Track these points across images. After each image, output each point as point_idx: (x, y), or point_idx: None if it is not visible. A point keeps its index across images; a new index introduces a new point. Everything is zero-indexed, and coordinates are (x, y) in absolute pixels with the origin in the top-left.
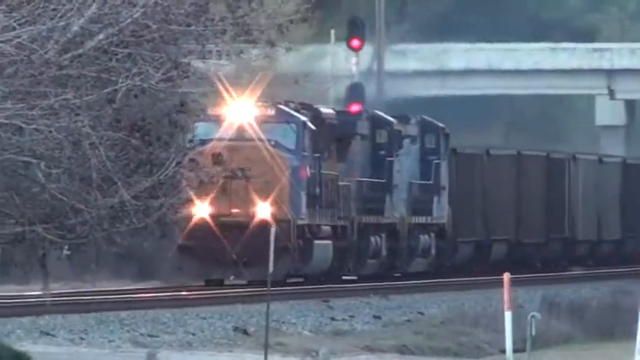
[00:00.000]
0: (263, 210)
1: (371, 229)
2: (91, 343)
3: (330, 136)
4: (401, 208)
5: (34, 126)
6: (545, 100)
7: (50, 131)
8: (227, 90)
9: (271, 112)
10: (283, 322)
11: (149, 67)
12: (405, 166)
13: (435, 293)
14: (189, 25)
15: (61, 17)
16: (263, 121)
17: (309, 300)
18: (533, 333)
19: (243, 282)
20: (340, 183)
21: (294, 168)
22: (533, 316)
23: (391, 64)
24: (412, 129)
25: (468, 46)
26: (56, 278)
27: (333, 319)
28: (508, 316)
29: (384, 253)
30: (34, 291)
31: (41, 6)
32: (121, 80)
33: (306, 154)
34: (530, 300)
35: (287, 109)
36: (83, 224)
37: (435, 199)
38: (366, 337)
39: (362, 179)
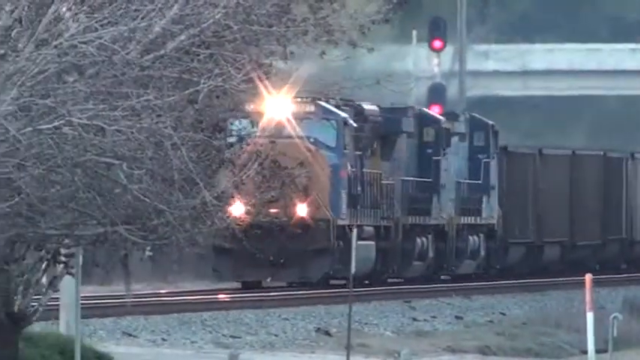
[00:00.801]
0: (301, 210)
1: (417, 230)
2: (173, 344)
3: (373, 134)
4: (449, 209)
5: (115, 127)
6: (628, 100)
7: (132, 132)
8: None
9: (310, 108)
10: (365, 323)
11: (230, 68)
12: (453, 164)
13: (517, 294)
14: (270, 26)
15: (142, 18)
16: (302, 118)
17: (392, 301)
18: (615, 334)
19: (283, 284)
20: (384, 182)
21: (334, 166)
22: (615, 317)
23: (472, 64)
24: (461, 126)
25: (550, 46)
26: (138, 279)
27: (414, 319)
28: (590, 317)
29: (430, 254)
30: (116, 292)
31: (123, 7)
32: (202, 81)
33: (346, 151)
34: (612, 301)
35: (327, 105)
36: (165, 225)
37: (485, 199)
38: (448, 338)
39: (407, 178)
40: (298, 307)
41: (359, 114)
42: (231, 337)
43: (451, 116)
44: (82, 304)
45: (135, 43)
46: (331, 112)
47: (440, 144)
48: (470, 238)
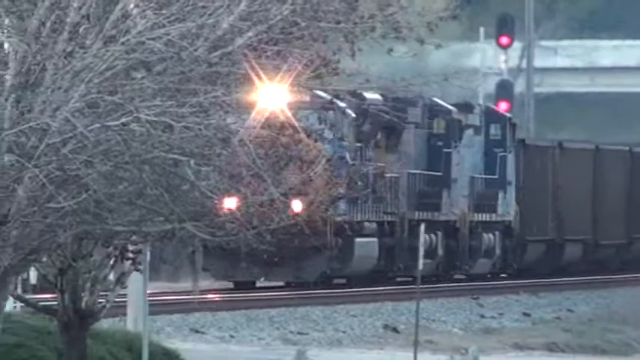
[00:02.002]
0: (296, 205)
1: (425, 226)
2: (241, 341)
3: (376, 125)
4: (461, 204)
5: (183, 123)
6: None
7: (200, 129)
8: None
9: (306, 97)
10: (433, 320)
11: (298, 65)
12: (466, 158)
13: (584, 291)
14: (338, 23)
15: (210, 15)
16: (297, 108)
17: (459, 297)
18: None
19: (280, 284)
20: (388, 175)
21: (330, 158)
22: None
23: (540, 61)
24: (475, 118)
25: (618, 42)
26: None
27: (482, 316)
28: None
29: (440, 252)
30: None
31: (190, 3)
32: (270, 77)
33: (345, 143)
34: None
35: (324, 94)
36: (232, 222)
37: (501, 194)
38: (515, 335)
39: (414, 172)
40: (366, 303)
41: (360, 104)
42: (299, 333)
43: (464, 108)
44: (150, 300)
45: (203, 39)
46: (328, 101)
47: (451, 136)
48: (484, 235)
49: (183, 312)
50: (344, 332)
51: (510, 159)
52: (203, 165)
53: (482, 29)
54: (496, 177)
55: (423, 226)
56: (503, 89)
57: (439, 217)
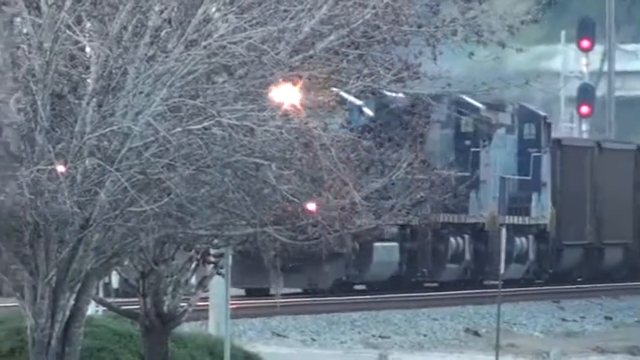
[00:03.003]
0: (311, 208)
1: (451, 230)
2: (323, 345)
3: (396, 123)
4: (490, 206)
5: (265, 127)
6: None
7: (281, 132)
8: None
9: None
10: (514, 324)
11: (380, 68)
12: (496, 158)
13: None
14: (420, 26)
15: (291, 19)
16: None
17: (541, 301)
18: None
19: (299, 290)
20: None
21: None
22: None
23: (621, 64)
24: (507, 117)
25: None
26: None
27: (564, 320)
28: None
29: (467, 257)
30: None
31: (272, 7)
32: (351, 81)
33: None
34: None
35: (342, 93)
36: (314, 225)
37: (535, 196)
38: (597, 338)
39: (439, 172)
40: (447, 307)
41: (378, 101)
42: (380, 337)
43: (495, 106)
44: (232, 304)
45: (284, 43)
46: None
47: (479, 135)
48: (517, 239)
49: (265, 316)
50: (425, 336)
51: (545, 159)
52: (284, 169)
53: (563, 32)
54: (530, 178)
55: (504, 230)
56: (585, 93)
57: (466, 219)
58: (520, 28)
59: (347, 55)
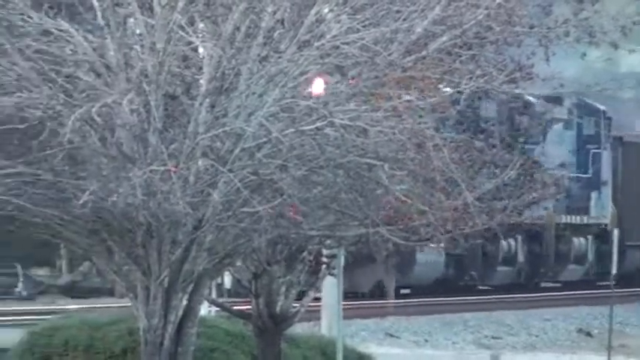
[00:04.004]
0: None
1: (502, 231)
2: (435, 345)
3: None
4: (546, 206)
5: (377, 128)
6: None
7: (394, 133)
8: None
9: None
10: (627, 324)
11: (492, 69)
12: (553, 155)
13: None
14: (532, 27)
15: (404, 19)
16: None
17: None
18: None
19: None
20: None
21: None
22: None
23: None
24: (564, 112)
25: None
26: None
27: None
28: None
29: (520, 259)
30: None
31: (385, 8)
32: (464, 82)
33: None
34: None
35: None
36: (427, 226)
37: (594, 195)
38: None
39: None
40: (559, 307)
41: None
42: (493, 337)
43: (552, 100)
44: (344, 305)
45: (397, 44)
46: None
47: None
48: (574, 240)
49: (378, 316)
50: (537, 336)
51: (606, 156)
52: (397, 169)
53: None
54: (589, 176)
55: (616, 231)
56: None
57: (588, 220)
58: (632, 28)
59: (460, 56)
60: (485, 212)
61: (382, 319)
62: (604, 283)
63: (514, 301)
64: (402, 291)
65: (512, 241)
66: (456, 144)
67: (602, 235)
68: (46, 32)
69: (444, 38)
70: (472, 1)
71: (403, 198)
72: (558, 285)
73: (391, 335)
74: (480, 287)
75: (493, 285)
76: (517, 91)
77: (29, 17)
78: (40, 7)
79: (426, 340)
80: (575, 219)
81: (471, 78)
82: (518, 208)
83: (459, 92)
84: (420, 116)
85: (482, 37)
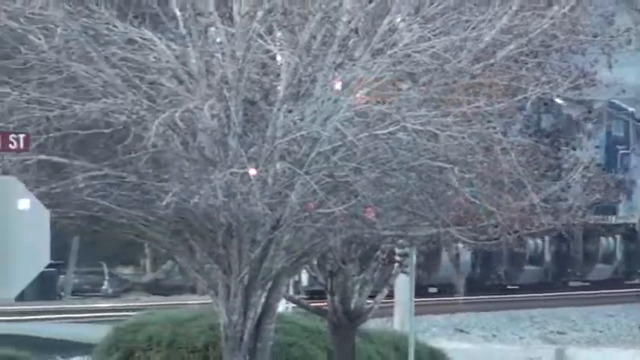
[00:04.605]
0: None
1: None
2: (503, 340)
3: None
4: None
5: (448, 132)
6: None
7: (463, 137)
8: None
9: None
10: None
11: (557, 76)
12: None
13: None
14: (595, 36)
15: (473, 29)
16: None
17: None
18: None
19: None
20: None
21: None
22: None
23: None
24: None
25: None
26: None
27: None
28: None
29: (547, 258)
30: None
31: (455, 18)
32: (530, 88)
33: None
34: None
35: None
36: (495, 226)
37: (622, 195)
38: None
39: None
40: (622, 304)
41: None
42: (558, 333)
43: (580, 101)
44: (416, 302)
45: (466, 52)
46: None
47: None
48: (602, 239)
49: (448, 313)
50: (600, 332)
51: (634, 157)
52: (466, 172)
53: None
54: (618, 176)
55: None
56: None
57: (616, 221)
58: None
59: (526, 63)
60: (551, 213)
61: (452, 315)
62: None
63: (578, 298)
64: (430, 290)
65: (539, 240)
66: (523, 147)
67: (630, 235)
68: (131, 41)
69: (511, 46)
70: (538, 11)
71: (472, 199)
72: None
73: (461, 331)
74: (509, 287)
75: (520, 284)
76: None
77: (115, 26)
78: (125, 16)
79: (494, 335)
80: (603, 219)
81: (536, 84)
82: (582, 209)
83: (525, 98)
84: (489, 121)
85: (548, 46)
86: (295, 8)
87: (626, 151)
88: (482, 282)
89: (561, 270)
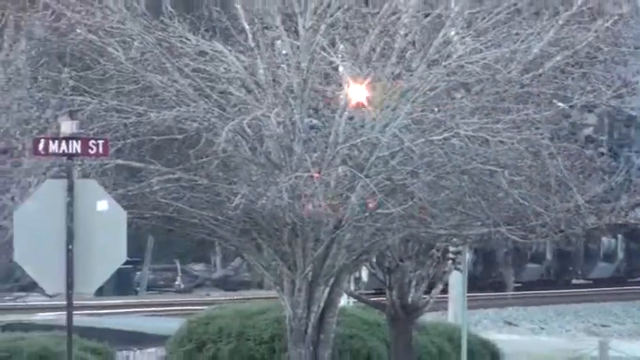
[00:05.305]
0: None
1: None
2: (550, 332)
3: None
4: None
5: (498, 138)
6: None
7: (513, 143)
8: None
9: None
10: None
11: (601, 86)
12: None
13: None
14: (637, 48)
15: (522, 41)
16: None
17: None
18: None
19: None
20: None
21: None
22: None
23: None
24: (593, 117)
25: None
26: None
27: None
28: None
29: (548, 257)
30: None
31: (505, 31)
32: (575, 97)
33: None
34: None
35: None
36: (542, 226)
37: (625, 196)
38: None
39: None
40: None
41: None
42: (602, 326)
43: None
44: (468, 296)
45: (515, 63)
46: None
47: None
48: (603, 238)
49: (498, 307)
50: None
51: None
52: (515, 175)
53: None
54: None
55: None
56: None
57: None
58: None
59: (572, 74)
60: (595, 213)
61: (502, 309)
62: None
63: (620, 293)
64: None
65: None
66: (569, 152)
67: (633, 235)
68: (203, 53)
69: (558, 58)
70: (583, 24)
71: (521, 201)
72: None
73: (510, 323)
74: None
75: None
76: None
77: (187, 39)
78: (197, 30)
79: (542, 328)
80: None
81: (582, 93)
82: (624, 210)
83: (570, 106)
84: (537, 128)
85: (592, 57)
86: (356, 22)
87: (628, 153)
88: (484, 280)
89: (562, 268)
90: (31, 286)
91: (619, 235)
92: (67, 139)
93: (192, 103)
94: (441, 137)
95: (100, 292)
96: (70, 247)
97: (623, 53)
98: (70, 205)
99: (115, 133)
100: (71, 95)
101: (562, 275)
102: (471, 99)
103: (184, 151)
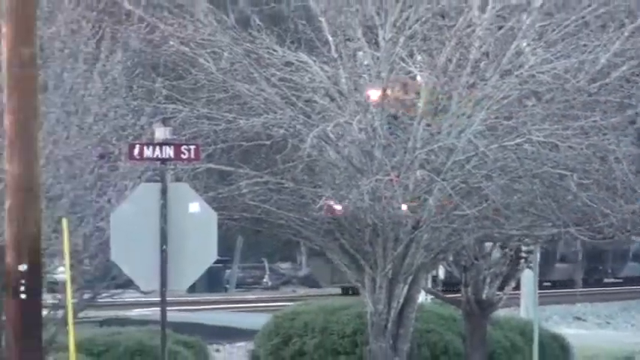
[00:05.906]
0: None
1: None
2: (615, 327)
3: None
4: None
5: (567, 144)
6: None
7: (581, 148)
8: None
9: None
10: None
11: None
12: None
13: None
14: None
15: (590, 52)
16: None
17: None
18: None
19: None
20: None
21: None
22: None
23: None
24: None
25: None
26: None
27: None
28: None
29: (579, 256)
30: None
31: (574, 43)
32: None
33: None
34: None
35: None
36: (609, 226)
37: None
38: None
39: None
40: None
41: None
42: None
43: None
44: (540, 293)
45: (584, 72)
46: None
47: None
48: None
49: (567, 303)
50: None
51: None
52: (584, 178)
53: None
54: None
55: None
56: None
57: None
58: None
59: (637, 83)
60: None
61: (571, 305)
62: None
63: None
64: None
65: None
66: (634, 157)
67: None
68: (289, 63)
69: (624, 67)
70: None
71: (589, 203)
72: None
73: (578, 318)
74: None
75: (555, 281)
76: None
77: (274, 50)
78: (284, 42)
79: (608, 323)
80: None
81: None
82: None
83: (637, 114)
84: (604, 134)
85: None
86: (433, 35)
87: None
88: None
89: (594, 268)
90: (127, 284)
91: None
92: (161, 144)
93: (278, 111)
94: (513, 143)
95: (192, 289)
96: (164, 247)
97: None
98: (164, 207)
99: (205, 139)
100: (164, 103)
101: (592, 274)
102: (541, 107)
103: (271, 155)
